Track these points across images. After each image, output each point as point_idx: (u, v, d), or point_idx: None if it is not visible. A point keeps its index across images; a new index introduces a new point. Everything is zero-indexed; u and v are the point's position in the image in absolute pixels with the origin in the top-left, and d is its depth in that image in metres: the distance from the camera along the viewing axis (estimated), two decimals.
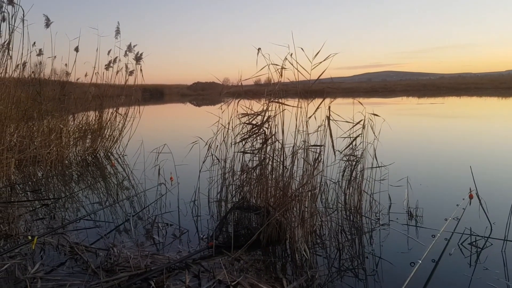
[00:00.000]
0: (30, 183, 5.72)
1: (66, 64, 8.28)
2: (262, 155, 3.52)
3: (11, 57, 6.49)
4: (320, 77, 3.46)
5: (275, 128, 3.49)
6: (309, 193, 3.40)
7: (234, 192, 3.96)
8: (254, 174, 3.66)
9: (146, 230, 3.65)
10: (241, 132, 3.78)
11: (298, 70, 3.45)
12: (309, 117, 3.46)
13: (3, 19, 6.29)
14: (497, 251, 3.01)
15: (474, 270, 2.73)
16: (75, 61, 8.08)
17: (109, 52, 8.40)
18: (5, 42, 6.32)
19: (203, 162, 4.13)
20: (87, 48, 8.56)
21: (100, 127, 8.29)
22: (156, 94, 58.81)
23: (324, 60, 3.35)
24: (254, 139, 3.67)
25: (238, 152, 3.84)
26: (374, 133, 3.89)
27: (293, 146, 3.45)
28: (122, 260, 2.89)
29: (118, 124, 8.51)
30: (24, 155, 6.57)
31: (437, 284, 2.52)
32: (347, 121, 3.77)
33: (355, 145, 3.92)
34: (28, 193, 5.18)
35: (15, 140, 6.68)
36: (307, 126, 3.48)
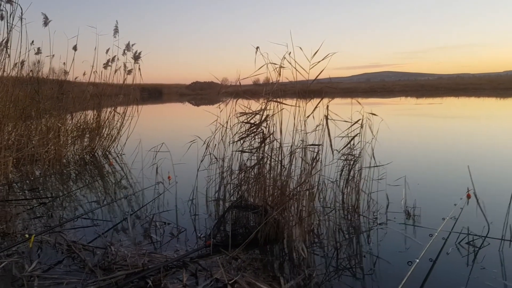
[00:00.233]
0: (28, 181, 5.71)
1: (64, 63, 8.29)
2: (260, 154, 3.52)
3: (9, 56, 6.48)
4: (319, 77, 3.46)
5: (273, 127, 3.49)
6: (307, 192, 3.40)
7: (232, 191, 3.97)
8: (252, 173, 3.66)
9: (143, 229, 3.65)
10: (239, 131, 3.78)
11: (296, 70, 3.46)
12: (307, 117, 3.46)
13: (1, 18, 6.28)
14: (495, 251, 3.02)
15: (471, 269, 2.74)
16: (73, 60, 8.08)
17: (107, 51, 8.40)
18: (3, 40, 6.31)
19: (201, 161, 4.13)
20: (85, 47, 8.56)
21: (98, 126, 8.29)
22: (154, 94, 58.74)
23: (323, 59, 3.36)
24: (252, 138, 3.67)
25: (236, 151, 3.85)
26: (372, 132, 3.90)
27: (291, 145, 3.45)
28: (120, 258, 2.88)
29: (116, 123, 8.51)
30: (22, 154, 6.56)
31: (435, 283, 2.53)
32: (345, 121, 3.77)
33: (353, 144, 3.93)
34: (26, 191, 5.18)
35: (13, 138, 6.67)
36: (305, 126, 3.48)
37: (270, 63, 3.59)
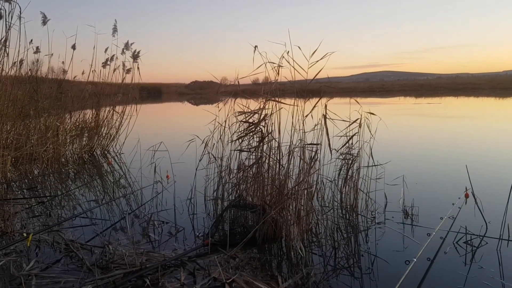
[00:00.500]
0: (26, 180, 5.71)
1: (63, 62, 8.29)
2: (259, 154, 3.52)
3: (7, 55, 6.46)
4: (318, 77, 3.46)
5: (272, 127, 3.49)
6: (305, 191, 3.40)
7: (230, 190, 3.96)
8: (251, 172, 3.66)
9: (142, 228, 3.65)
10: (238, 130, 3.78)
11: (295, 69, 3.45)
12: (306, 116, 3.46)
13: (0, 17, 6.27)
14: (492, 250, 3.02)
15: (469, 268, 2.74)
16: (72, 59, 8.07)
17: (106, 50, 8.39)
18: (1, 39, 6.30)
19: (200, 160, 4.13)
20: (84, 46, 8.56)
21: (97, 125, 8.28)
22: (154, 93, 58.69)
23: (321, 58, 3.35)
24: (251, 138, 3.67)
25: (234, 150, 3.84)
26: (370, 132, 3.90)
27: (290, 145, 3.45)
28: (117, 257, 2.88)
29: (115, 122, 8.51)
30: (20, 153, 6.56)
31: (432, 282, 2.53)
32: (343, 120, 3.78)
33: (352, 143, 3.93)
34: (24, 190, 5.17)
35: (11, 137, 6.67)
36: (303, 125, 3.48)
37: (268, 62, 3.59)
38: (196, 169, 4.16)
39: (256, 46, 3.61)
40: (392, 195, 4.19)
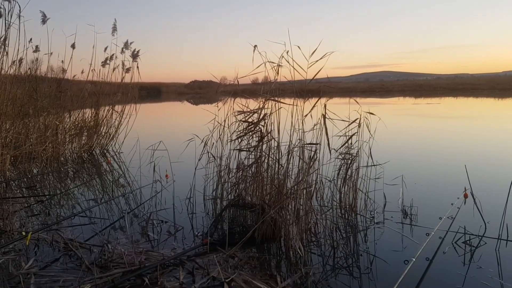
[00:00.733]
0: (25, 179, 5.70)
1: (62, 61, 8.28)
2: (258, 153, 3.52)
3: (7, 54, 6.47)
4: (317, 77, 3.46)
5: (271, 126, 3.49)
6: (305, 191, 3.40)
7: (229, 189, 3.96)
8: (250, 172, 3.66)
9: (141, 227, 3.65)
10: (237, 130, 3.78)
11: (294, 68, 3.45)
12: (305, 116, 3.46)
13: (0, 15, 6.27)
14: (491, 250, 3.02)
15: (468, 268, 2.74)
16: (71, 58, 8.07)
17: (105, 49, 8.38)
18: (1, 38, 6.30)
19: (199, 160, 4.12)
20: (83, 45, 8.55)
21: (96, 124, 8.28)
22: (153, 92, 58.64)
23: (321, 58, 3.35)
24: (250, 137, 3.67)
25: (234, 149, 3.85)
26: (369, 132, 3.90)
27: (289, 144, 3.46)
28: (116, 256, 2.88)
29: (114, 122, 8.50)
30: (19, 152, 6.55)
31: (431, 282, 2.53)
32: (343, 120, 3.78)
33: (351, 143, 3.93)
34: (23, 189, 5.17)
35: (10, 136, 6.66)
36: (303, 124, 3.48)
37: (268, 61, 3.59)
38: (195, 168, 4.15)
39: (255, 46, 3.62)
40: (391, 195, 4.19)
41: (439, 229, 3.26)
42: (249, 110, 3.62)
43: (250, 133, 3.62)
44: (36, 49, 7.83)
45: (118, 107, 8.59)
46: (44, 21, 7.28)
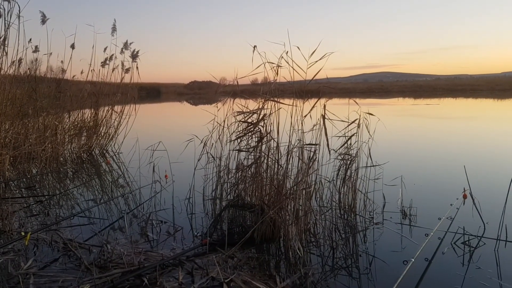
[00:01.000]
0: (24, 179, 5.70)
1: (62, 61, 8.28)
2: (257, 153, 3.52)
3: (6, 54, 6.48)
4: (317, 77, 3.47)
5: (271, 127, 3.50)
6: (304, 191, 3.41)
7: (229, 190, 3.97)
8: (249, 172, 3.66)
9: (140, 228, 3.65)
10: (237, 130, 3.79)
11: (294, 69, 3.46)
12: (305, 116, 3.47)
13: None
14: (490, 251, 3.03)
15: (467, 269, 2.74)
16: (71, 58, 8.08)
17: (105, 49, 8.38)
18: (0, 38, 6.30)
19: (198, 160, 4.12)
20: (83, 45, 8.55)
21: (95, 124, 8.28)
22: (152, 93, 58.65)
23: (320, 59, 3.36)
24: (250, 137, 3.67)
25: (233, 150, 3.85)
26: (369, 132, 3.90)
27: (288, 145, 3.46)
28: (116, 256, 2.88)
29: (114, 122, 8.50)
30: (19, 152, 6.55)
31: (430, 282, 2.53)
32: (342, 120, 3.78)
33: (350, 144, 3.93)
34: (23, 189, 5.17)
35: (10, 136, 6.66)
36: (302, 125, 3.48)
37: (267, 62, 3.60)
38: (195, 168, 4.15)
39: (255, 46, 3.62)
40: (390, 196, 4.20)
41: (438, 229, 3.26)
42: (248, 110, 3.62)
43: (250, 134, 3.63)
44: (36, 49, 7.84)
45: (117, 108, 8.59)
46: (43, 21, 7.28)
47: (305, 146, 3.45)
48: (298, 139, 3.47)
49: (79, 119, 8.28)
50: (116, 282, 2.48)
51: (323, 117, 3.43)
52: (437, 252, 2.91)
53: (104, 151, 8.29)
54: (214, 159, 4.09)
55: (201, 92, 61.34)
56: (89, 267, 2.70)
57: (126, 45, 8.29)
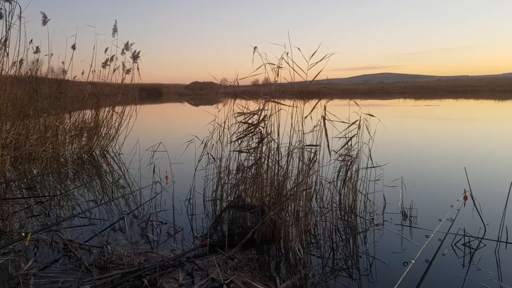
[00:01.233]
0: (25, 180, 5.70)
1: (63, 62, 8.29)
2: (258, 154, 3.52)
3: (7, 55, 6.48)
4: (317, 78, 3.47)
5: (271, 128, 3.50)
6: (304, 192, 3.40)
7: (229, 191, 3.97)
8: (250, 173, 3.66)
9: (140, 228, 3.65)
10: (237, 131, 3.78)
11: (294, 70, 3.46)
12: (305, 117, 3.47)
13: (0, 16, 6.28)
14: (491, 252, 3.02)
15: (467, 270, 2.74)
16: (72, 59, 8.09)
17: (106, 50, 8.40)
18: (1, 39, 6.32)
19: (199, 161, 4.13)
20: (84, 46, 8.56)
21: (96, 125, 8.28)
22: (153, 93, 58.71)
23: (321, 60, 3.36)
24: (250, 138, 3.67)
25: (233, 151, 3.85)
26: (369, 133, 3.90)
27: (289, 146, 3.46)
28: (116, 257, 2.88)
29: (115, 123, 8.50)
30: (19, 153, 6.56)
31: (430, 284, 2.53)
32: (342, 121, 3.78)
33: (351, 145, 3.93)
34: (23, 190, 5.17)
35: (11, 137, 6.67)
36: (303, 126, 3.48)
37: (268, 63, 3.60)
38: (195, 169, 4.16)
39: (255, 47, 3.62)
40: (391, 197, 4.19)
41: (439, 231, 3.26)
42: (249, 111, 3.62)
43: (250, 135, 3.63)
44: (37, 50, 7.86)
45: (118, 108, 8.60)
46: (44, 22, 7.29)
47: (305, 147, 3.45)
48: (299, 140, 3.47)
49: (80, 120, 8.28)
50: (116, 283, 2.48)
51: (324, 118, 3.43)
52: (438, 254, 2.90)
53: (105, 152, 8.30)
54: (214, 160, 4.09)
55: (202, 93, 61.38)
56: (89, 268, 2.70)
57: (127, 46, 8.31)
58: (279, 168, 3.44)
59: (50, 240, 3.27)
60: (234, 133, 3.87)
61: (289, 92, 3.66)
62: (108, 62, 8.47)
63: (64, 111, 7.90)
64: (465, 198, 3.92)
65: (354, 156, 3.93)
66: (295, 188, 3.32)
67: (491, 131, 11.61)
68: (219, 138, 4.08)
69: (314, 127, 3.60)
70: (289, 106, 3.48)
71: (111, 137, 8.53)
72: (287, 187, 3.37)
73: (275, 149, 3.48)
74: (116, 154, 8.09)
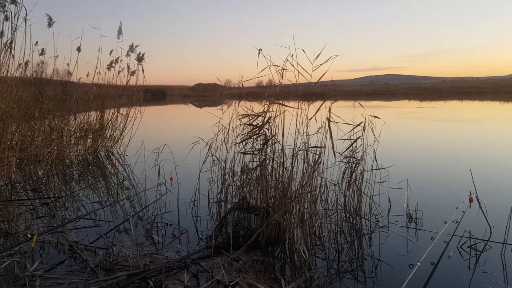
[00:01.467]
0: (30, 182, 5.73)
1: (68, 64, 8.32)
2: (262, 156, 3.53)
3: (13, 56, 6.53)
4: (322, 80, 3.47)
5: (276, 129, 3.50)
6: (309, 194, 3.40)
7: (234, 192, 3.97)
8: (254, 175, 3.66)
9: (145, 230, 3.66)
10: (242, 133, 3.79)
11: (299, 72, 3.46)
12: (310, 119, 3.47)
13: (6, 18, 6.33)
14: (496, 254, 3.01)
15: (473, 273, 2.73)
16: (77, 60, 8.13)
17: (111, 52, 8.44)
18: (7, 41, 6.36)
19: (203, 163, 4.14)
20: (89, 48, 8.59)
21: (101, 127, 8.31)
22: (158, 95, 58.85)
23: (325, 62, 3.36)
24: (255, 140, 3.67)
25: (238, 152, 3.85)
26: (374, 135, 3.90)
27: (294, 148, 3.46)
28: (121, 259, 2.89)
29: (119, 124, 8.53)
30: (25, 154, 6.59)
31: (436, 286, 2.53)
32: (347, 123, 3.77)
33: (355, 147, 3.93)
34: (29, 191, 5.19)
35: (16, 139, 6.70)
36: (307, 128, 3.48)
37: (272, 65, 3.60)
38: (200, 171, 4.16)
39: (260, 49, 3.62)
40: (396, 199, 4.19)
41: (444, 233, 3.25)
42: (253, 113, 3.62)
43: (255, 136, 3.63)
44: (42, 52, 7.89)
45: (123, 110, 8.62)
46: (50, 24, 7.32)
47: (310, 149, 3.45)
48: (303, 142, 3.46)
49: (85, 122, 8.32)
50: (122, 285, 2.49)
51: (329, 120, 3.43)
52: (443, 256, 2.90)
53: (110, 154, 8.33)
54: (219, 161, 4.10)
55: (206, 95, 61.43)
56: (95, 270, 2.71)
57: (131, 48, 8.34)
58: (284, 170, 3.44)
59: (56, 241, 3.28)
60: (238, 134, 3.88)
61: (293, 94, 3.66)
62: (113, 64, 8.51)
63: (69, 112, 7.93)
64: (471, 200, 3.90)
65: (359, 158, 3.93)
66: (300, 190, 3.32)
67: (496, 132, 11.55)
68: (224, 140, 4.09)
69: (319, 128, 3.60)
70: (294, 108, 3.48)
71: (116, 138, 8.56)
72: (291, 189, 3.37)
73: (279, 151, 3.48)
74: (121, 155, 8.11)
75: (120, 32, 8.13)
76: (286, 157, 3.46)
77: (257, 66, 3.63)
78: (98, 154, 8.17)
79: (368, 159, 3.97)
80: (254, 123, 3.59)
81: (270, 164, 3.52)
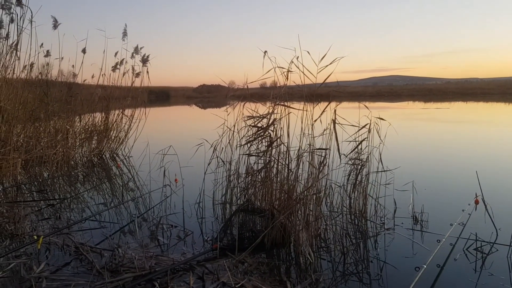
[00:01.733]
0: (36, 183, 5.75)
1: (73, 66, 8.36)
2: (267, 158, 3.53)
3: (19, 58, 6.57)
4: (326, 81, 3.47)
5: (281, 131, 3.50)
6: (314, 196, 3.40)
7: (239, 194, 3.97)
8: (259, 177, 3.66)
9: (150, 232, 3.66)
10: (247, 135, 3.79)
11: (304, 74, 3.46)
12: (315, 120, 3.46)
13: (12, 20, 6.36)
14: (503, 257, 2.99)
15: (479, 275, 2.72)
16: (82, 62, 8.16)
17: (116, 54, 8.47)
18: (13, 43, 6.39)
19: (208, 164, 4.14)
20: (94, 49, 8.63)
21: (106, 128, 8.34)
22: (162, 96, 58.99)
23: (330, 63, 3.36)
24: (260, 142, 3.67)
25: (243, 154, 3.85)
26: (379, 137, 3.89)
27: (299, 149, 3.45)
28: (127, 261, 2.90)
29: (124, 126, 8.56)
30: (30, 156, 6.61)
31: None
32: (352, 125, 3.77)
33: (361, 149, 3.92)
34: (34, 193, 5.21)
35: (21, 140, 6.73)
36: (312, 129, 3.48)
37: (277, 67, 3.60)
38: (205, 173, 4.17)
39: (265, 52, 3.62)
40: (402, 201, 4.17)
41: (450, 235, 3.23)
42: (258, 115, 3.62)
43: (260, 138, 3.63)
44: (47, 54, 7.92)
45: (128, 111, 8.65)
46: (55, 26, 7.35)
47: (315, 150, 3.45)
48: (308, 144, 3.46)
49: (90, 123, 8.35)
50: (128, 286, 2.50)
51: (334, 122, 3.42)
52: (449, 259, 2.88)
53: (115, 155, 8.35)
54: (224, 163, 4.10)
55: (210, 96, 61.54)
56: (100, 271, 2.72)
57: (136, 50, 8.37)
58: (289, 171, 3.44)
59: (62, 243, 3.29)
60: (243, 136, 3.88)
61: (298, 95, 3.66)
62: (118, 66, 8.54)
63: (74, 114, 7.96)
64: (477, 202, 3.88)
65: (364, 159, 3.92)
66: (305, 192, 3.31)
67: (501, 134, 11.50)
68: (229, 142, 4.09)
69: (324, 130, 3.59)
70: (298, 109, 3.48)
71: (121, 140, 8.58)
72: (297, 191, 3.36)
73: (284, 153, 3.48)
74: (126, 157, 8.13)
75: (125, 34, 8.15)
76: (291, 159, 3.46)
77: (262, 68, 3.63)
78: (103, 156, 8.20)
79: (374, 161, 3.96)
80: (259, 124, 3.60)
81: (275, 166, 3.52)
